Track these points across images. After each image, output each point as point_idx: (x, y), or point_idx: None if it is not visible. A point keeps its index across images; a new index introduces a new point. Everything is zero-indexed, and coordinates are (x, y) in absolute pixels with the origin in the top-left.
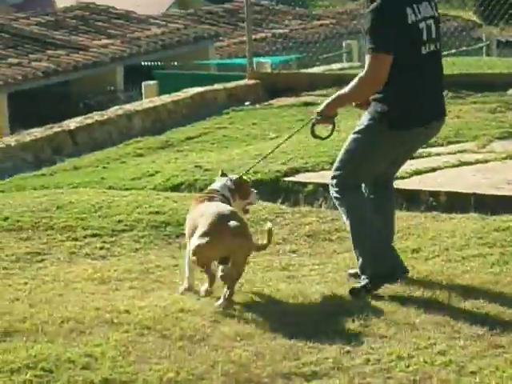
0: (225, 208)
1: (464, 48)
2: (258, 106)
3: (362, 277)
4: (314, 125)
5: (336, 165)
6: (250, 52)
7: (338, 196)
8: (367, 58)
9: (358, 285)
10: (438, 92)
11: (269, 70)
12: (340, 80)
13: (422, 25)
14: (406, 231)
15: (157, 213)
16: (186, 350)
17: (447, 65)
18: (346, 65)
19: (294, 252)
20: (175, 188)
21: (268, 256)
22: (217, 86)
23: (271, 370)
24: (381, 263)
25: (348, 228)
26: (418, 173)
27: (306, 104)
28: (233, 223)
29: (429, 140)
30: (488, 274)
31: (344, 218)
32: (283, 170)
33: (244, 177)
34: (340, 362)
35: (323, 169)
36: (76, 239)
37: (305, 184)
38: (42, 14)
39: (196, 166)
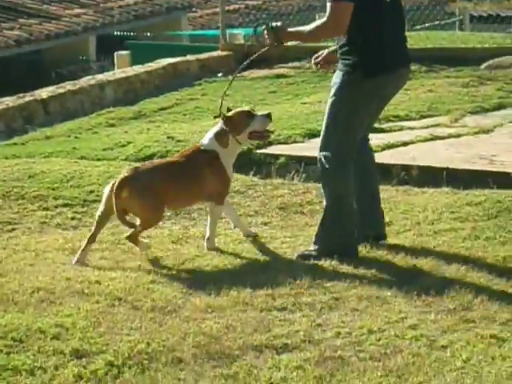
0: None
1: (437, 22)
2: (230, 77)
3: (313, 246)
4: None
5: (322, 134)
6: (223, 23)
7: (329, 168)
8: (328, 6)
9: (307, 252)
10: (402, 40)
11: (242, 42)
12: (314, 52)
13: None
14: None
15: None
16: (156, 321)
17: (421, 39)
18: None
19: (265, 224)
20: (147, 159)
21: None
22: (189, 57)
23: (242, 342)
24: (345, 241)
25: (326, 201)
26: (390, 146)
27: (279, 76)
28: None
29: (397, 91)
30: (459, 249)
31: (327, 190)
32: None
33: (233, 110)
34: (311, 334)
35: (295, 141)
36: (47, 209)
37: (277, 156)
38: None
39: (168, 137)
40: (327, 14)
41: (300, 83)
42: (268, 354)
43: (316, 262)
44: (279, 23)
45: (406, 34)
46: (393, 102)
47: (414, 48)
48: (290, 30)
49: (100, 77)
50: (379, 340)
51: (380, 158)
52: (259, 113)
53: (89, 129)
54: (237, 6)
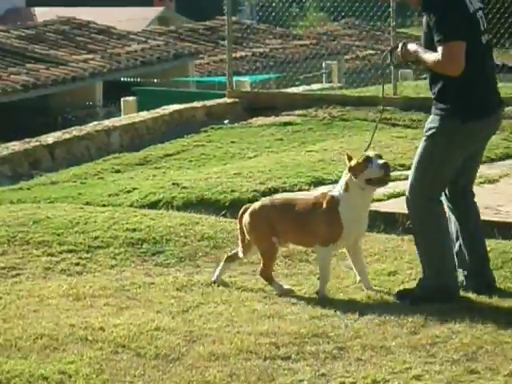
0: None
1: None
2: (236, 124)
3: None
4: (390, 52)
5: (412, 177)
6: (230, 70)
7: (418, 209)
8: (439, 50)
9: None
10: (495, 81)
11: (248, 89)
12: (320, 100)
13: (479, 15)
14: (383, 254)
15: (133, 230)
16: (160, 369)
17: (426, 88)
18: (325, 85)
19: None
20: (152, 205)
21: (244, 276)
22: (196, 104)
23: None
24: (449, 282)
25: (421, 243)
26: (395, 195)
27: (286, 124)
28: None
29: (494, 133)
30: (464, 299)
31: (420, 232)
32: (261, 189)
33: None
34: None
35: (301, 189)
36: (52, 255)
37: None
38: (23, 28)
39: (174, 184)
40: (440, 53)
41: (306, 131)
42: None
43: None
44: (404, 48)
45: (413, 83)
46: (398, 150)
47: (420, 97)
48: (413, 48)
49: (106, 122)
50: None
51: (385, 206)
52: (378, 161)
53: (94, 174)
54: (244, 54)
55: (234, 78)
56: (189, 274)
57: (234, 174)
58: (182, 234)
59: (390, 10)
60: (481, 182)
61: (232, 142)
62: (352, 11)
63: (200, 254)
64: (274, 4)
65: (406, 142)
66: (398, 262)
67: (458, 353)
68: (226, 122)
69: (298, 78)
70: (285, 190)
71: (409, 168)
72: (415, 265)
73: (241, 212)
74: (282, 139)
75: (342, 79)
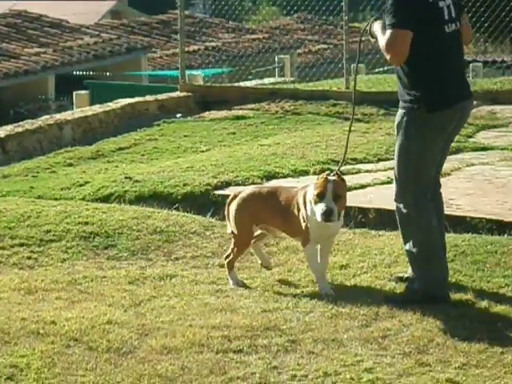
0: None
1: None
2: (189, 118)
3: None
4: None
5: (396, 181)
6: (183, 64)
7: (409, 213)
8: (387, 33)
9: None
10: (463, 71)
11: (201, 83)
12: (272, 94)
13: (442, 4)
14: (335, 247)
15: (85, 223)
16: (112, 362)
17: (379, 82)
18: (278, 79)
19: (222, 266)
20: (105, 199)
21: (197, 269)
22: (148, 98)
23: None
24: (436, 285)
25: (411, 247)
26: (347, 189)
27: (238, 117)
28: None
29: (462, 124)
30: None
31: (410, 238)
32: (213, 182)
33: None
34: (267, 377)
35: (253, 182)
36: (3, 248)
37: None
38: None
39: (126, 177)
40: (385, 37)
41: (259, 125)
42: None
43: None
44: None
45: (365, 77)
46: (350, 144)
47: (372, 91)
48: (376, 27)
49: (58, 116)
50: (335, 383)
51: None
52: (323, 205)
53: (46, 168)
54: (196, 48)
55: (187, 72)
56: (141, 267)
57: (187, 167)
58: (134, 227)
59: (343, 4)
60: None
61: (184, 135)
62: (304, 5)
63: (152, 247)
64: None
65: (358, 136)
66: (349, 255)
67: (409, 345)
68: (178, 115)
69: (251, 72)
70: (237, 184)
71: (361, 162)
72: (367, 258)
73: (230, 198)
74: (234, 133)
75: (294, 73)
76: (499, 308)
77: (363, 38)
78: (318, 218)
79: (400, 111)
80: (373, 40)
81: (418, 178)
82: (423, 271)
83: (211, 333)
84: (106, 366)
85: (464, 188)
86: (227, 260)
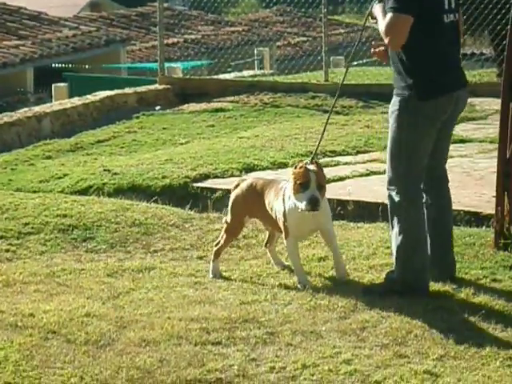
0: None
1: (375, 58)
2: (168, 110)
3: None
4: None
5: (388, 167)
6: (162, 56)
7: (399, 202)
8: (387, 16)
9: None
10: (458, 61)
11: (180, 75)
12: (252, 86)
13: None
14: (314, 239)
15: (64, 216)
16: (90, 354)
17: (358, 74)
18: (257, 72)
19: (201, 258)
20: (83, 191)
21: (175, 262)
22: (127, 90)
23: (176, 376)
24: (417, 277)
25: (396, 235)
26: (326, 181)
27: (217, 110)
28: None
29: (458, 114)
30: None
31: (398, 225)
32: (192, 175)
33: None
34: (245, 369)
35: (232, 175)
36: None
37: (213, 190)
38: None
39: (105, 170)
40: (386, 20)
41: (238, 117)
42: None
43: (380, 297)
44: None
45: (344, 69)
46: (329, 137)
47: (351, 84)
48: (377, 9)
49: (37, 109)
50: (313, 375)
51: None
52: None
53: (25, 161)
54: (175, 40)
55: (166, 65)
56: (119, 259)
57: (166, 160)
58: (112, 220)
59: None
60: None
61: (163, 128)
62: None
63: (131, 240)
64: None
65: (337, 129)
66: (328, 247)
67: (388, 337)
68: (157, 108)
69: (230, 65)
70: (216, 176)
71: (340, 154)
72: (346, 250)
73: (234, 185)
74: (213, 125)
75: (273, 66)
76: (477, 299)
77: (367, 24)
78: (303, 207)
79: (394, 99)
80: (373, 21)
81: (410, 167)
82: (405, 261)
83: (190, 325)
84: (85, 358)
85: None
86: (216, 248)
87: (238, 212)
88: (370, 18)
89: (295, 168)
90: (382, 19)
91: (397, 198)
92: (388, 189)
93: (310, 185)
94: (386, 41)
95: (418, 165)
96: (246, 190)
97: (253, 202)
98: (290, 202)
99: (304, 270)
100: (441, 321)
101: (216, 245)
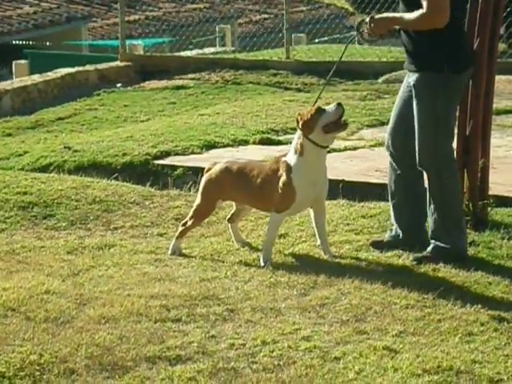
0: None
1: (336, 36)
2: (129, 88)
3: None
4: (361, 33)
5: (422, 141)
6: (123, 34)
7: (441, 176)
8: (424, 2)
9: (425, 253)
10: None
11: (141, 53)
12: (213, 63)
13: None
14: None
15: (24, 193)
16: (49, 332)
17: (319, 52)
18: (219, 49)
19: (161, 235)
20: (44, 169)
21: (135, 239)
22: (88, 67)
23: (135, 353)
24: (464, 246)
25: (440, 207)
26: None
27: (178, 87)
28: None
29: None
30: (354, 260)
31: (439, 197)
32: (153, 152)
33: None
34: (205, 346)
35: (193, 152)
36: None
37: (174, 167)
38: None
39: (65, 147)
40: (425, 6)
41: (199, 95)
42: (161, 365)
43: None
44: (374, 20)
45: (306, 47)
46: (290, 114)
47: (312, 61)
48: (382, 17)
49: None
50: (273, 351)
51: None
52: (330, 106)
53: None
54: (137, 17)
55: (127, 42)
56: (79, 237)
57: (126, 137)
58: (73, 197)
59: None
60: (372, 145)
61: (124, 105)
62: None
63: (91, 217)
64: None
65: (298, 106)
66: (288, 224)
67: (347, 314)
68: (118, 85)
69: (192, 42)
70: (177, 154)
71: None
72: (306, 227)
73: (206, 169)
74: (174, 103)
75: (235, 43)
76: (437, 275)
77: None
78: (334, 112)
79: (417, 75)
80: (372, 39)
81: (447, 140)
82: (456, 232)
83: (149, 302)
84: (44, 335)
85: None
86: (183, 228)
87: (210, 195)
88: (365, 35)
89: (299, 115)
90: (405, 15)
91: (436, 173)
92: (422, 165)
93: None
94: (434, 23)
95: (452, 137)
96: (221, 173)
97: (230, 184)
98: (297, 173)
99: (272, 250)
100: (400, 297)
101: (183, 225)
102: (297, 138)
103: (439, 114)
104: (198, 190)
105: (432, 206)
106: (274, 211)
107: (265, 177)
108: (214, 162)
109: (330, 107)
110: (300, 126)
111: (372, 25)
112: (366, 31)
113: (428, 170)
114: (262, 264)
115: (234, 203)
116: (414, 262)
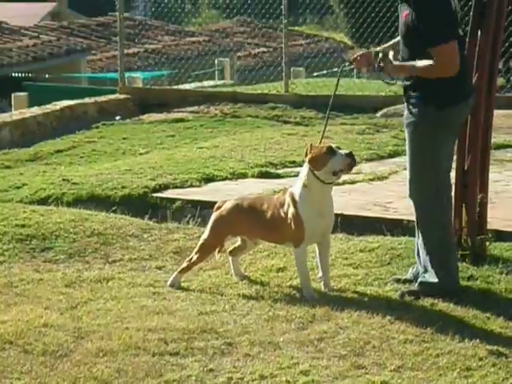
0: None
1: (335, 69)
2: (128, 120)
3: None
4: (381, 69)
5: (412, 176)
6: (122, 66)
7: (430, 209)
8: (434, 53)
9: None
10: (468, 67)
11: (140, 85)
12: (212, 97)
13: (458, 6)
14: (272, 250)
15: (22, 226)
16: (48, 365)
17: (318, 85)
18: (218, 82)
19: (160, 268)
20: (42, 201)
21: (134, 272)
22: (87, 100)
23: None
24: (453, 280)
25: (428, 242)
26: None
27: (177, 120)
28: None
29: (466, 120)
30: (353, 294)
31: (427, 230)
32: (151, 185)
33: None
34: (203, 380)
35: (192, 185)
36: None
37: (173, 200)
38: None
39: (64, 180)
40: (435, 58)
41: (198, 128)
42: None
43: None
44: (391, 66)
45: (304, 81)
46: (289, 147)
47: (311, 95)
48: (398, 65)
49: None
50: None
51: None
52: (341, 151)
53: None
54: (136, 50)
55: (126, 74)
56: (78, 270)
57: (125, 170)
58: (71, 230)
59: (282, 7)
60: (370, 179)
61: (123, 138)
62: (244, 9)
63: (89, 250)
64: (167, 0)
65: (297, 139)
66: (287, 258)
67: (345, 348)
68: (117, 118)
69: (191, 75)
70: (175, 187)
71: (300, 165)
72: None
73: (216, 207)
74: (173, 135)
75: (234, 76)
76: (435, 310)
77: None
78: (343, 160)
79: (411, 110)
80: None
81: (436, 176)
82: (442, 266)
83: (147, 335)
84: (42, 369)
85: (401, 191)
86: (187, 263)
87: (220, 231)
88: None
89: (310, 149)
90: (417, 62)
91: (424, 207)
92: (412, 197)
93: (337, 149)
94: (444, 74)
95: (442, 173)
96: (232, 209)
97: (241, 220)
98: (303, 205)
99: (310, 282)
100: (398, 332)
101: (189, 260)
102: (304, 170)
103: (423, 148)
104: (196, 222)
105: (420, 240)
106: (293, 247)
107: (274, 209)
108: (222, 200)
109: (341, 153)
110: (308, 160)
111: (388, 68)
112: (387, 68)
113: (415, 202)
114: (309, 299)
115: (239, 237)
116: (399, 296)
